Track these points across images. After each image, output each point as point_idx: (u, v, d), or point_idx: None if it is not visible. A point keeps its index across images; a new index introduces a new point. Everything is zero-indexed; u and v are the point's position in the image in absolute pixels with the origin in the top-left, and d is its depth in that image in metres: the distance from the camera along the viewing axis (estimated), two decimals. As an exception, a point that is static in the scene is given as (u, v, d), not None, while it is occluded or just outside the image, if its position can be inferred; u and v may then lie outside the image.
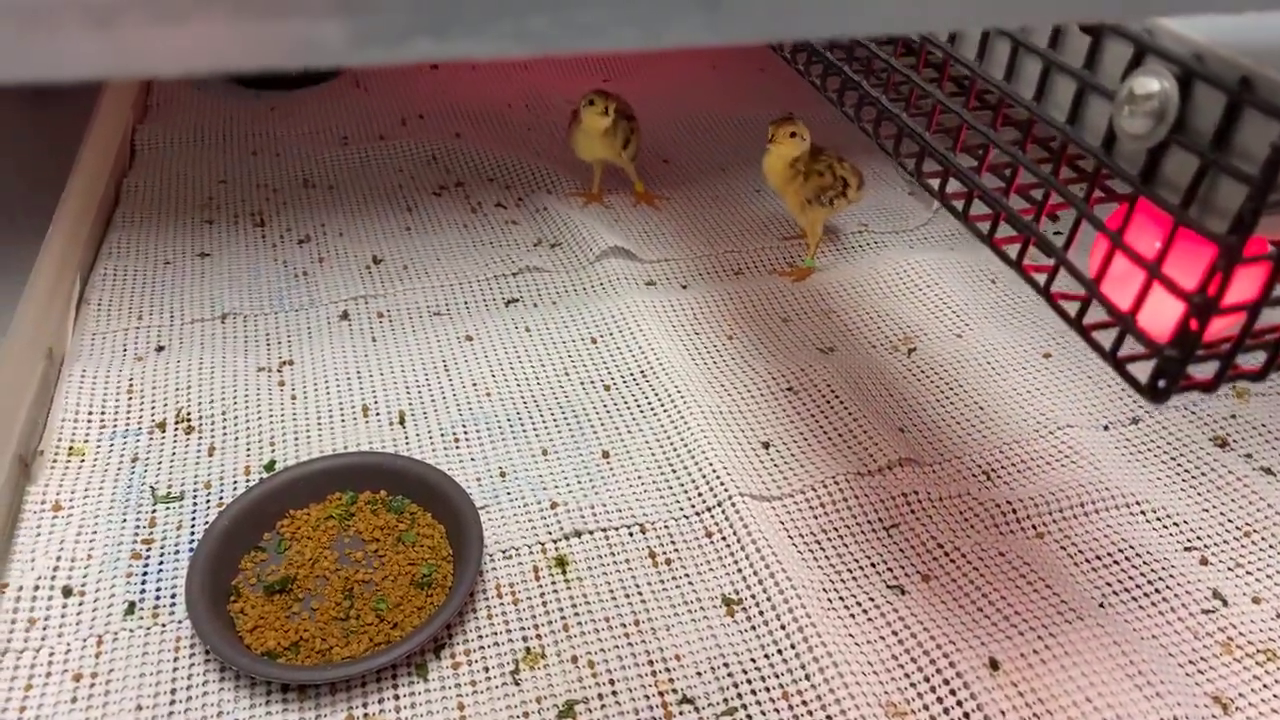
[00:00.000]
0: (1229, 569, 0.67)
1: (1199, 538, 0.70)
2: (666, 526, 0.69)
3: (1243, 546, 0.69)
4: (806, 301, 0.93)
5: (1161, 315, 0.39)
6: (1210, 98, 0.33)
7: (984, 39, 0.44)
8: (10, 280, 0.74)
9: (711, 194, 1.10)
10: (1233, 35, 0.33)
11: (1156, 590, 0.66)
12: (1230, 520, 0.71)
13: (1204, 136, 0.33)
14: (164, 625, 0.61)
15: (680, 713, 0.57)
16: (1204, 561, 0.68)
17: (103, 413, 0.75)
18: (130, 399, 0.77)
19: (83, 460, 0.71)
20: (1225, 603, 0.65)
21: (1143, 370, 0.39)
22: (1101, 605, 0.65)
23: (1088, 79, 0.38)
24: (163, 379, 0.79)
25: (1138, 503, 0.72)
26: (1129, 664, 0.60)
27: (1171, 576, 0.66)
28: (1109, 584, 0.66)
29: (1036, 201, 0.45)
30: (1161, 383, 0.37)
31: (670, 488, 0.72)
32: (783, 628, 0.62)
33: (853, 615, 0.63)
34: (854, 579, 0.66)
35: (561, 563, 0.66)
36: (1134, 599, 0.65)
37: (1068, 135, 0.39)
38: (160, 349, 0.83)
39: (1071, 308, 0.43)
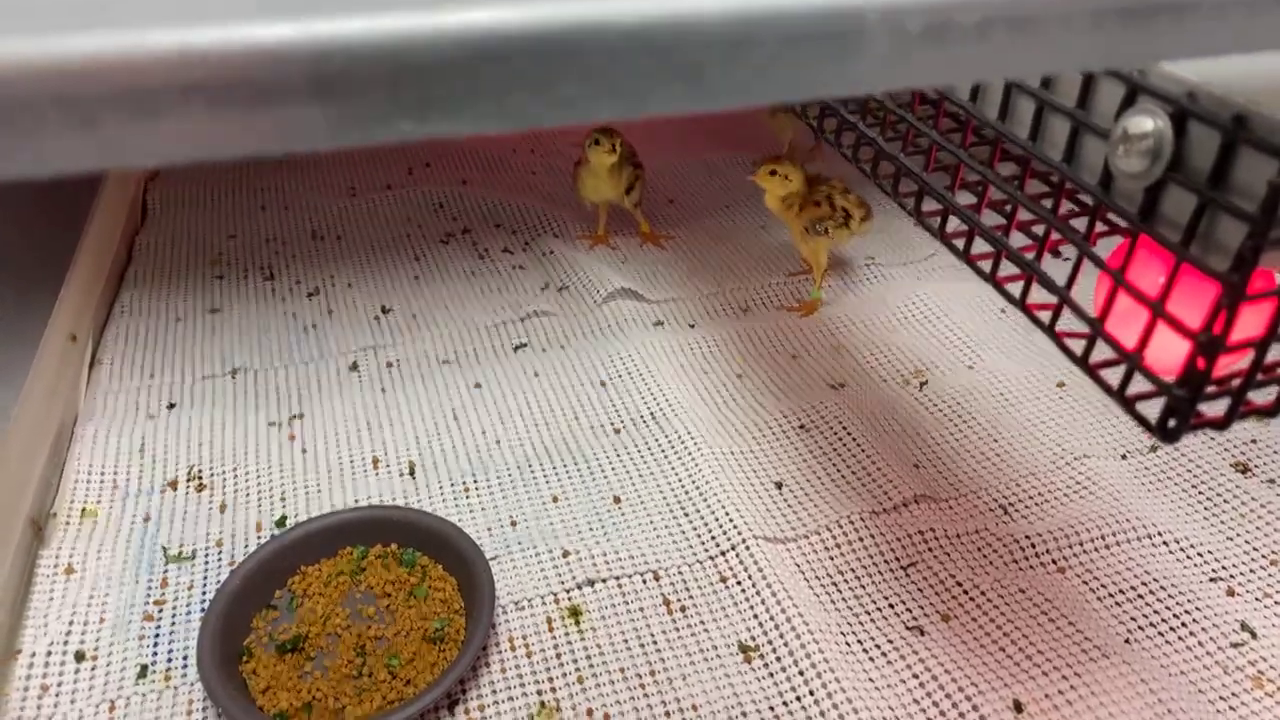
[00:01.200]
0: (1257, 600, 0.66)
1: (1224, 568, 0.68)
2: (680, 572, 0.68)
3: (1270, 576, 0.67)
4: (816, 337, 0.93)
5: (1169, 351, 0.38)
6: (1205, 136, 0.33)
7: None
8: (24, 341, 0.75)
9: (717, 232, 1.10)
10: (1225, 73, 0.32)
11: (1183, 624, 0.64)
12: (1256, 549, 0.70)
13: (1201, 174, 0.33)
14: (176, 688, 0.60)
15: (699, 765, 0.56)
16: (1231, 593, 0.66)
17: (115, 473, 0.76)
18: (142, 458, 0.77)
19: (95, 521, 0.71)
20: (1254, 635, 0.63)
21: (1153, 408, 0.38)
22: (1127, 641, 0.63)
23: (1081, 119, 0.38)
24: (174, 437, 0.79)
25: (1159, 533, 0.70)
26: (1157, 702, 0.58)
27: (1198, 609, 0.65)
28: (1134, 619, 0.65)
29: (1038, 237, 0.45)
30: (1172, 422, 0.36)
31: (683, 532, 0.71)
32: (801, 674, 0.60)
33: (872, 658, 0.62)
34: (872, 621, 0.65)
35: (575, 613, 0.65)
36: (1160, 634, 0.64)
37: (1065, 174, 0.39)
38: (171, 406, 0.83)
39: (1078, 345, 0.42)
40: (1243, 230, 0.32)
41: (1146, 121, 0.34)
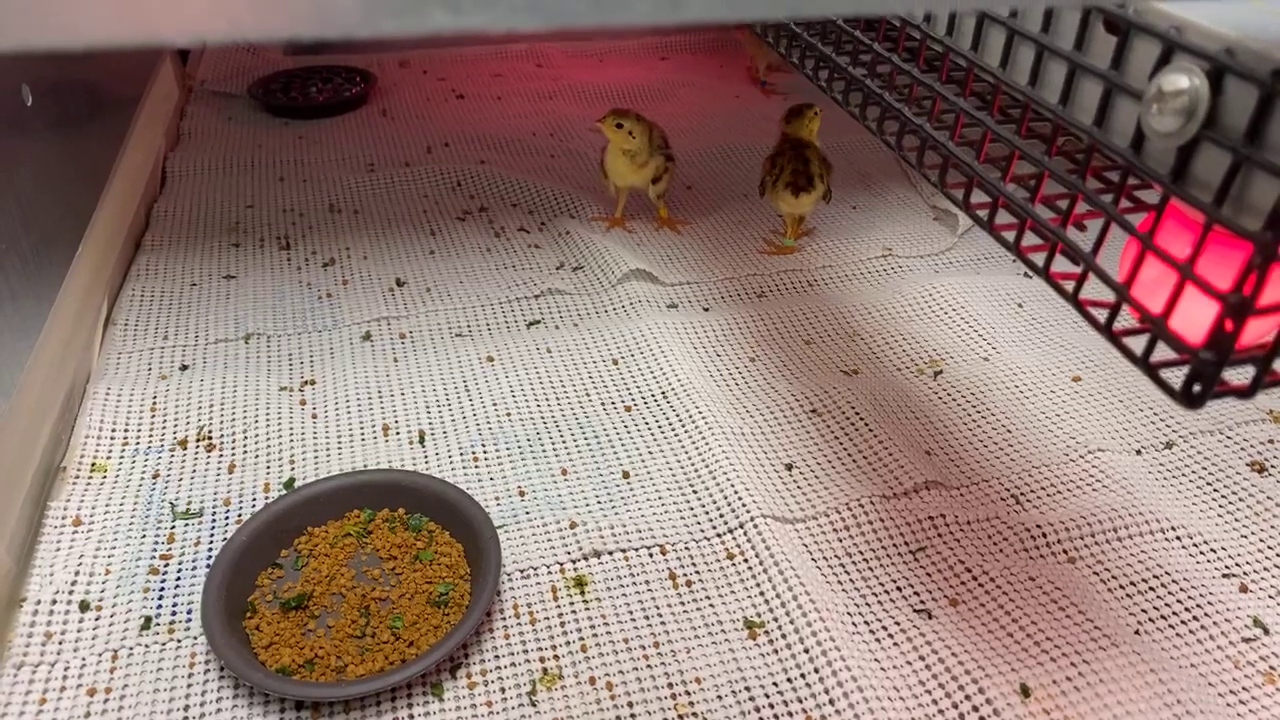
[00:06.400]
0: (1270, 596, 0.65)
1: (1238, 564, 0.67)
2: (687, 548, 0.68)
3: (1284, 573, 0.67)
4: (830, 324, 0.92)
5: (1194, 322, 0.38)
6: (1242, 92, 0.32)
7: (1008, 45, 0.44)
8: (39, 299, 0.75)
9: (734, 219, 1.09)
10: (1264, 29, 0.32)
11: (1194, 617, 0.63)
12: (1270, 547, 0.69)
13: (1236, 132, 0.33)
14: (179, 641, 0.60)
15: (700, 737, 0.56)
16: (1244, 589, 0.66)
17: (126, 430, 0.76)
18: (153, 416, 0.77)
19: (104, 476, 0.71)
20: (1267, 631, 0.63)
21: (1176, 381, 0.38)
22: (1137, 632, 0.62)
23: (1115, 79, 0.37)
24: (186, 397, 0.79)
25: (1173, 528, 0.70)
26: (1166, 692, 0.58)
27: (1210, 604, 0.64)
28: (1144, 610, 0.64)
29: (1062, 212, 0.44)
30: (1196, 387, 0.35)
31: (691, 509, 0.71)
32: (806, 651, 0.60)
33: (878, 639, 0.62)
34: (879, 603, 0.64)
35: (580, 583, 0.65)
36: (1171, 626, 0.63)
37: (1094, 138, 0.39)
38: (184, 368, 0.83)
39: (1101, 316, 0.42)
40: (1277, 188, 0.32)
41: (1182, 79, 0.34)
